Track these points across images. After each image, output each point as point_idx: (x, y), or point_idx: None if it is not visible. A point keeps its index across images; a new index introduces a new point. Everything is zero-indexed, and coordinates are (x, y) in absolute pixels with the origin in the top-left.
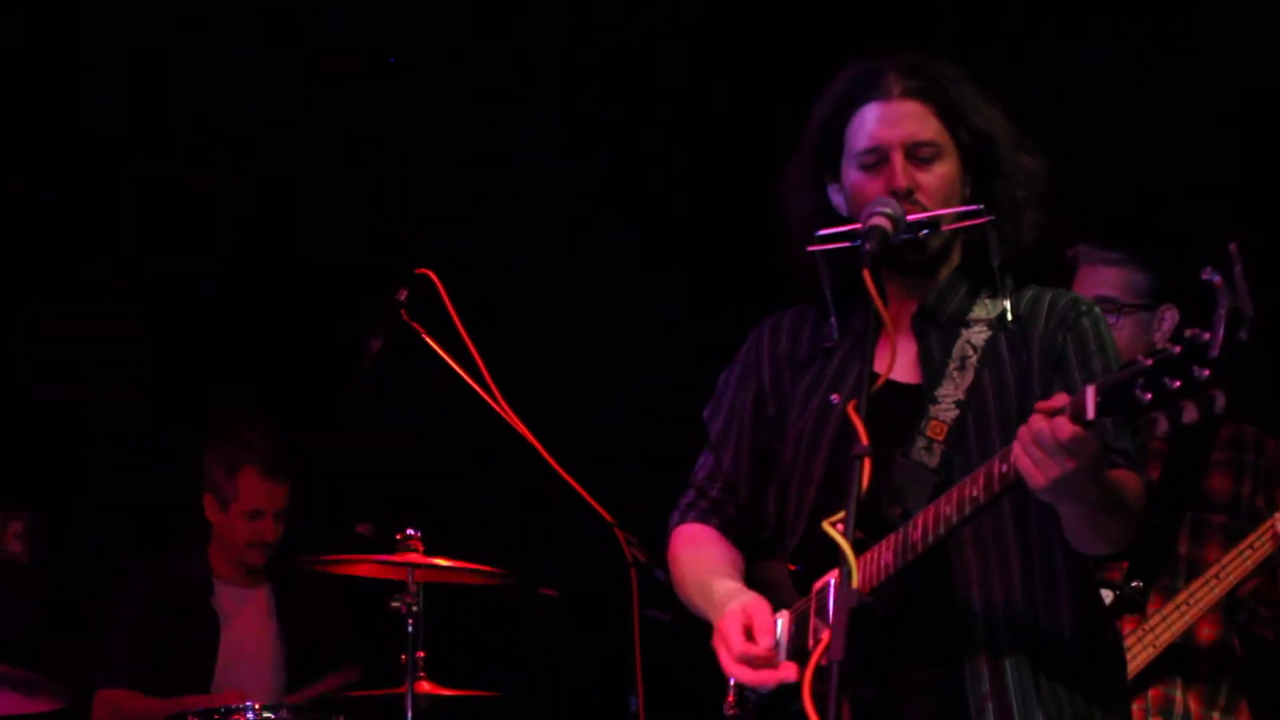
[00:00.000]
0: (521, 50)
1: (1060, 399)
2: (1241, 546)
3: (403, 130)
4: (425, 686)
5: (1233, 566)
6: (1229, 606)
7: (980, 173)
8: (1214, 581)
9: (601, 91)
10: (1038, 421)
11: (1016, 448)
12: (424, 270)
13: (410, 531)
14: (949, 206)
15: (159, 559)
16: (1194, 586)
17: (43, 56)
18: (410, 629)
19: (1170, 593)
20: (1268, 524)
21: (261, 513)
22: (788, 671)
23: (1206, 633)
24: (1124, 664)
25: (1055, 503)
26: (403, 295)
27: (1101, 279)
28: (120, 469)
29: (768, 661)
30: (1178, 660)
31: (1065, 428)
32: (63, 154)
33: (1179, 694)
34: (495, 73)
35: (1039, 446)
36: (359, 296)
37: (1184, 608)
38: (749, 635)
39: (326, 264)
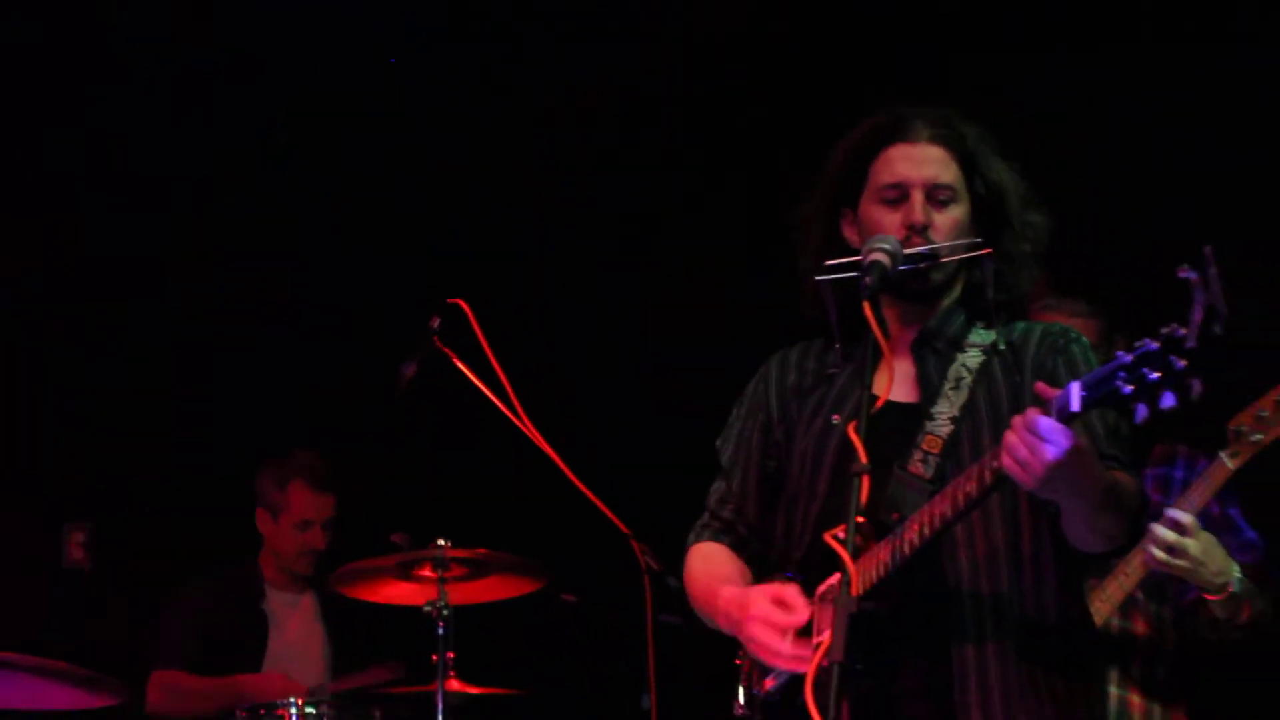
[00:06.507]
0: (558, 83)
1: (1054, 390)
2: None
3: (438, 169)
4: (455, 684)
5: (1132, 568)
6: (1157, 599)
7: (989, 222)
8: (1122, 578)
9: (629, 122)
10: (1031, 413)
11: (1009, 438)
12: (455, 299)
13: (440, 541)
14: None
15: (215, 567)
16: (1108, 582)
17: (83, 94)
18: (440, 631)
19: (1091, 590)
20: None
21: (310, 523)
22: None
23: (1141, 625)
24: (1106, 656)
25: (1054, 497)
26: (435, 323)
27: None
28: (175, 484)
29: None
30: (1116, 656)
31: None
32: (119, 193)
33: (1114, 689)
34: (525, 106)
35: (1031, 431)
36: (395, 325)
37: (1099, 603)
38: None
39: (365, 293)
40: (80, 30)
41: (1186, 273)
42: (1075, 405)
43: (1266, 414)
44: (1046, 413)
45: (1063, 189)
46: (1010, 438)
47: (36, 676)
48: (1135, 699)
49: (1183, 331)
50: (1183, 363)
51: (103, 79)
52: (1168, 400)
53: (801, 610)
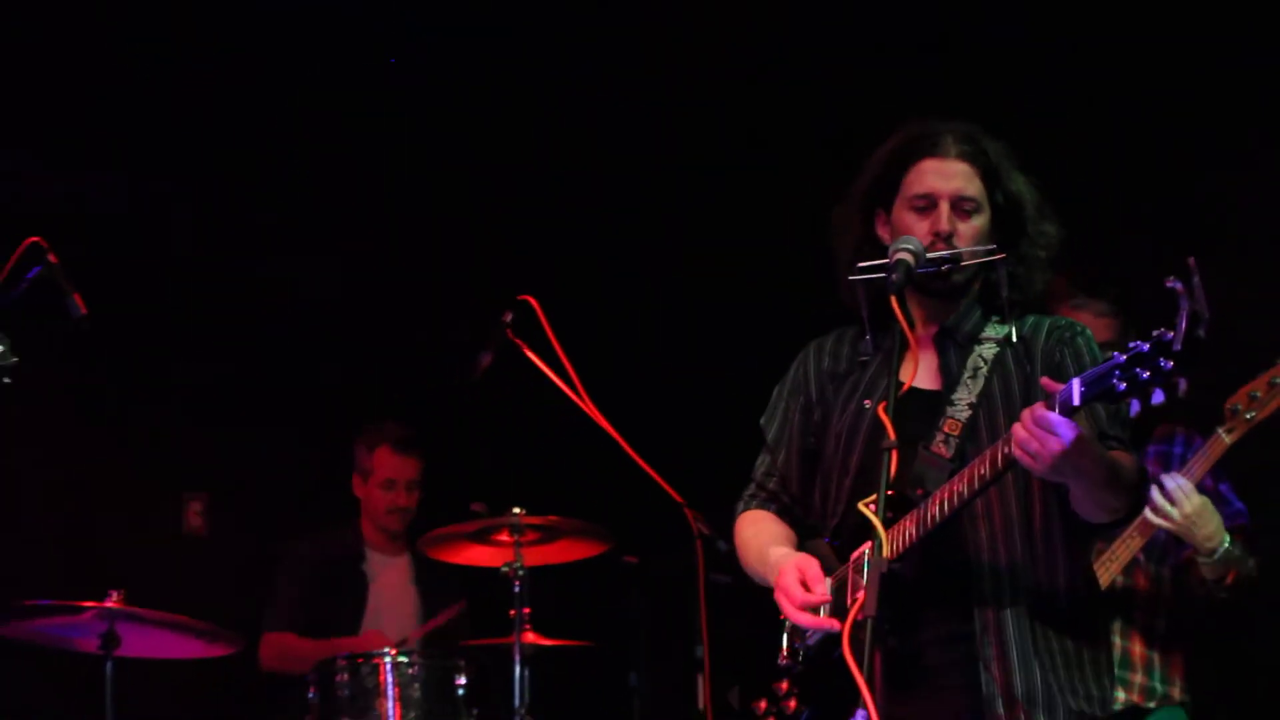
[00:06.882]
0: (618, 92)
1: (1058, 385)
2: (1137, 520)
3: (513, 181)
4: (529, 637)
5: (1136, 532)
6: (1157, 560)
7: (1008, 230)
8: (1129, 542)
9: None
10: (1038, 409)
11: (1018, 432)
12: (525, 296)
13: (516, 510)
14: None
15: (321, 532)
16: (1114, 545)
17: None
18: (517, 589)
19: (1098, 554)
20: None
21: (394, 482)
22: (832, 623)
23: (1142, 582)
24: (1109, 615)
25: (1062, 479)
26: (508, 317)
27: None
28: (282, 459)
29: (823, 605)
30: (1119, 608)
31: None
32: (223, 193)
33: (1118, 640)
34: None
35: (1039, 425)
36: (473, 318)
37: (1107, 565)
38: (805, 587)
39: (448, 291)
40: (80, 30)
41: (1173, 283)
42: (1076, 400)
43: (1259, 394)
44: (1050, 406)
45: (1084, 200)
46: (1020, 431)
47: (162, 629)
48: (1137, 648)
49: (1170, 335)
50: (1170, 364)
51: (103, 78)
52: (1157, 397)
53: (817, 588)
